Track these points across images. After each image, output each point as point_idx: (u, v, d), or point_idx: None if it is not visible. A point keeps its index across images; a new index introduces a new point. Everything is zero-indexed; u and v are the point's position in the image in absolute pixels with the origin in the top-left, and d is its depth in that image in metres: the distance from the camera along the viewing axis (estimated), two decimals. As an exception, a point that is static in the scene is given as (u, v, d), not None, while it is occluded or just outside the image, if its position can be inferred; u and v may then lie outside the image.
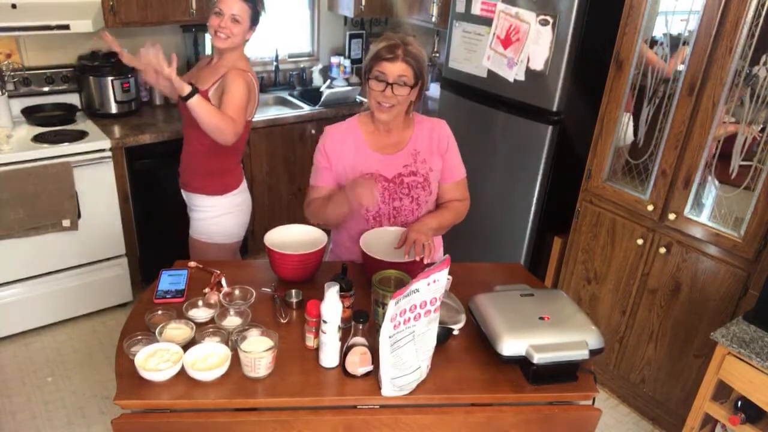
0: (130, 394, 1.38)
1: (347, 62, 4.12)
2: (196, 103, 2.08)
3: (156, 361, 1.41)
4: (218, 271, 1.82)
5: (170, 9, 3.13)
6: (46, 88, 3.17)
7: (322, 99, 3.66)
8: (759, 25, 2.03)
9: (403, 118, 1.88)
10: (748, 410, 1.89)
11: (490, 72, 2.92)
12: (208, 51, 3.47)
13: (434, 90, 3.77)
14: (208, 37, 3.42)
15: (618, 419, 2.72)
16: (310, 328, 1.52)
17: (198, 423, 1.39)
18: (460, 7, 3.00)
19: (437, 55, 3.97)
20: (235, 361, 1.44)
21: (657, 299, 2.52)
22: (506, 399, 1.48)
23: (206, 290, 1.74)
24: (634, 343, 2.66)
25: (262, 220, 3.57)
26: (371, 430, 1.44)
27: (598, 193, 2.65)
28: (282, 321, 1.65)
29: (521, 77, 2.78)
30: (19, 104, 3.09)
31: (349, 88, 3.86)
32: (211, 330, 1.55)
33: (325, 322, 1.43)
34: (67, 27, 2.80)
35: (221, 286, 1.76)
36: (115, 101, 3.19)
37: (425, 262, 1.72)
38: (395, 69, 1.73)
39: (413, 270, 1.63)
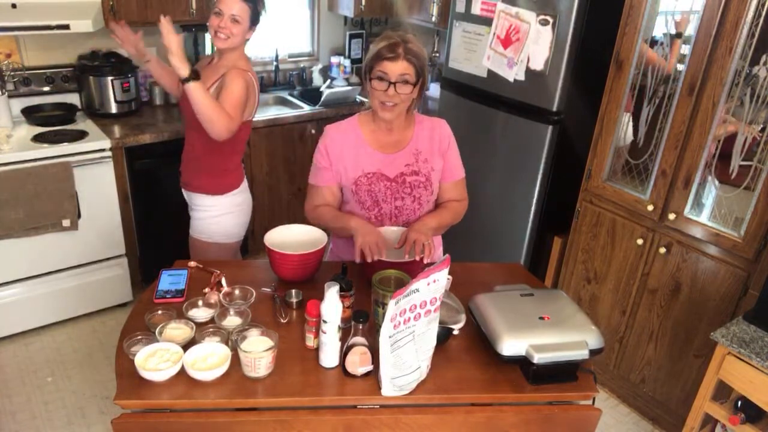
0: (130, 394, 1.38)
1: (347, 62, 4.12)
2: (194, 88, 2.07)
3: (156, 361, 1.41)
4: (218, 271, 1.82)
5: (170, 9, 3.13)
6: (46, 88, 3.17)
7: (322, 99, 3.66)
8: (759, 25, 2.03)
9: (405, 116, 1.88)
10: (748, 410, 1.89)
11: (490, 72, 2.92)
12: (208, 51, 3.47)
13: (434, 90, 3.77)
14: (208, 37, 3.42)
15: (618, 419, 2.72)
16: (310, 328, 1.52)
17: (198, 423, 1.39)
18: (460, 7, 3.00)
19: (437, 55, 3.97)
20: (235, 361, 1.44)
21: (657, 299, 2.52)
22: (506, 399, 1.48)
23: (206, 290, 1.74)
24: (634, 343, 2.66)
25: (262, 220, 3.57)
26: (371, 430, 1.44)
27: (598, 193, 2.65)
28: (282, 321, 1.65)
29: (521, 77, 2.78)
30: (19, 104, 3.09)
31: (349, 88, 3.86)
32: (211, 330, 1.55)
33: (325, 322, 1.43)
34: (67, 27, 2.80)
35: (221, 286, 1.76)
36: (115, 101, 3.19)
37: (425, 261, 1.72)
38: (397, 68, 1.73)
39: (413, 270, 1.63)
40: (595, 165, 2.63)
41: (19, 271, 2.86)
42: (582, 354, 1.47)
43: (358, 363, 1.43)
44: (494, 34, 2.84)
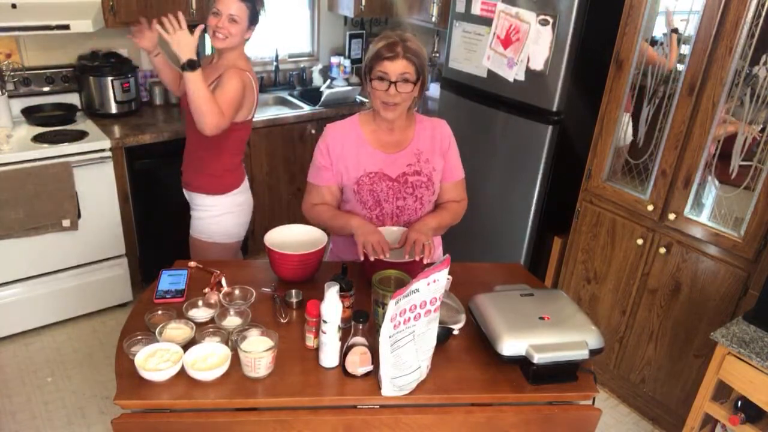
0: (130, 394, 1.38)
1: (347, 62, 4.12)
2: (193, 76, 2.05)
3: (156, 361, 1.41)
4: (218, 271, 1.82)
5: (170, 9, 3.09)
6: (46, 88, 3.17)
7: (322, 99, 3.66)
8: (759, 25, 2.03)
9: (406, 116, 1.88)
10: (748, 410, 1.89)
11: (490, 72, 2.92)
12: (208, 51, 3.47)
13: (434, 90, 3.77)
14: (208, 36, 3.42)
15: (618, 419, 2.72)
16: (310, 328, 1.52)
17: (198, 423, 1.39)
18: (460, 7, 3.00)
19: (437, 55, 3.97)
20: (235, 361, 1.44)
21: (657, 299, 2.52)
22: (506, 399, 1.48)
23: (206, 290, 1.74)
24: (634, 343, 2.66)
25: (262, 220, 3.57)
26: (371, 430, 1.44)
27: (598, 193, 2.65)
28: (282, 321, 1.65)
29: (521, 77, 2.78)
30: (19, 104, 3.09)
31: (349, 88, 3.86)
32: (211, 330, 1.55)
33: (325, 322, 1.43)
34: (67, 27, 2.80)
35: (221, 286, 1.76)
36: (115, 101, 3.19)
37: (425, 261, 1.72)
38: (397, 67, 1.73)
39: (413, 270, 1.63)
40: (595, 165, 2.63)
41: (19, 271, 2.86)
42: (582, 354, 1.47)
43: (358, 363, 1.43)
44: (494, 34, 2.84)
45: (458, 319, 1.61)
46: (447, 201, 2.00)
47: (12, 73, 3.07)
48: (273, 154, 3.52)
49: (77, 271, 3.02)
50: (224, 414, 1.40)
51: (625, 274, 2.63)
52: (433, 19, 3.52)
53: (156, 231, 3.19)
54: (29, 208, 2.72)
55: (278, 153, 3.54)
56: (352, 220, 1.82)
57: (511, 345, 1.46)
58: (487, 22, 2.87)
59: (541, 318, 1.53)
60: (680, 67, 2.28)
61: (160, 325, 1.53)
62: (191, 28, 2.11)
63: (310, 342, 1.54)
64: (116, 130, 3.05)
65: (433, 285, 1.33)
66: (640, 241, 2.52)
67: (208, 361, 1.43)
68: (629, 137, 2.55)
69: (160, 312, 1.62)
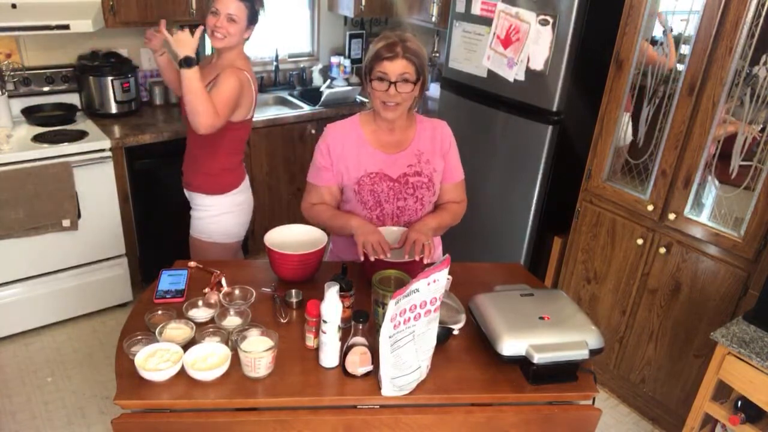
0: (130, 394, 1.38)
1: (347, 62, 4.12)
2: (189, 73, 2.06)
3: (156, 361, 1.41)
4: (218, 271, 1.82)
5: (170, 9, 3.14)
6: (46, 88, 3.17)
7: (322, 99, 3.66)
8: (759, 25, 2.03)
9: (406, 116, 1.88)
10: (748, 410, 1.89)
11: (490, 72, 2.92)
12: (208, 51, 3.47)
13: (434, 90, 3.77)
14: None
15: (618, 419, 2.72)
16: (310, 328, 1.52)
17: (198, 423, 1.39)
18: (460, 7, 3.00)
19: (437, 55, 3.97)
20: (235, 361, 1.44)
21: (657, 299, 2.52)
22: (506, 399, 1.48)
23: (206, 290, 1.74)
24: (634, 343, 2.66)
25: (262, 220, 3.57)
26: (371, 430, 1.44)
27: (598, 193, 2.65)
28: (282, 321, 1.65)
29: (521, 77, 2.78)
30: (19, 104, 3.09)
31: (349, 88, 3.86)
32: (211, 330, 1.55)
33: (325, 322, 1.43)
34: (67, 27, 2.80)
35: (221, 286, 1.76)
36: (115, 101, 3.19)
37: (425, 262, 1.72)
38: (396, 67, 1.73)
39: (413, 270, 1.63)
40: (595, 165, 2.63)
41: (19, 271, 2.86)
42: (582, 354, 1.47)
43: (358, 363, 1.43)
44: (494, 34, 2.84)
45: (458, 319, 1.61)
46: (447, 202, 2.00)
47: (12, 73, 3.07)
48: (273, 154, 3.52)
49: (77, 271, 3.02)
50: (224, 414, 1.40)
51: (625, 274, 2.63)
52: (433, 19, 3.52)
53: (156, 231, 3.19)
54: (29, 208, 2.72)
55: (278, 153, 3.54)
56: (352, 220, 1.82)
57: (511, 345, 1.46)
58: (487, 22, 2.87)
59: (541, 318, 1.53)
60: (680, 67, 2.28)
61: (160, 325, 1.53)
62: (192, 28, 2.11)
63: (310, 342, 1.54)
64: (116, 130, 3.05)
65: (433, 285, 1.33)
66: (640, 241, 2.52)
67: (208, 361, 1.43)
68: (629, 137, 2.55)
69: (160, 312, 1.62)
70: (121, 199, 3.02)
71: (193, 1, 3.17)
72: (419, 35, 3.91)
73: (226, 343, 1.49)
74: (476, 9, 2.92)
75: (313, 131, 3.59)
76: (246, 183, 2.53)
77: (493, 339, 1.49)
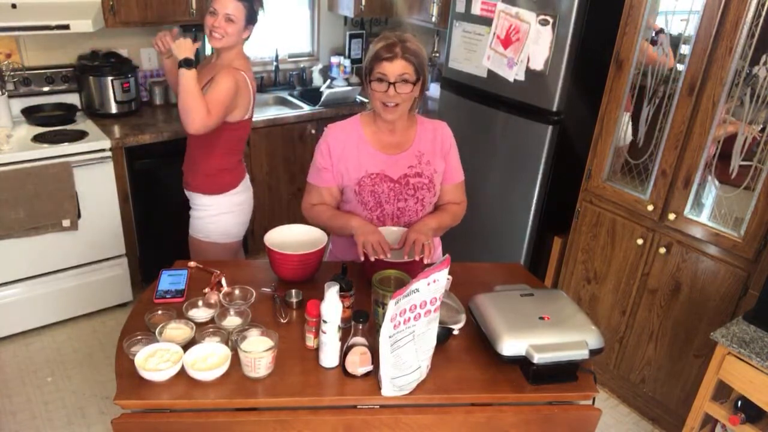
0: (130, 394, 1.38)
1: (347, 62, 4.12)
2: (186, 72, 2.10)
3: (156, 361, 1.41)
4: (218, 271, 1.82)
5: (170, 9, 3.14)
6: (46, 88, 3.17)
7: (322, 99, 3.66)
8: (759, 25, 2.03)
9: (407, 117, 1.88)
10: (748, 410, 1.89)
11: (490, 72, 2.92)
12: (208, 51, 3.47)
13: (434, 90, 3.77)
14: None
15: (618, 419, 2.72)
16: (310, 328, 1.52)
17: (198, 423, 1.39)
18: (460, 7, 3.00)
19: (437, 55, 3.97)
20: (235, 361, 1.44)
21: (657, 299, 2.52)
22: (506, 399, 1.48)
23: (206, 290, 1.74)
24: (634, 343, 2.66)
25: (262, 220, 3.57)
26: (371, 430, 1.44)
27: (598, 193, 2.65)
28: (282, 321, 1.65)
29: (521, 77, 2.78)
30: (19, 104, 3.09)
31: (349, 88, 3.86)
32: (211, 330, 1.55)
33: (325, 322, 1.43)
34: (67, 27, 2.80)
35: (221, 286, 1.76)
36: (115, 101, 3.19)
37: (425, 262, 1.72)
38: (395, 68, 1.73)
39: (413, 270, 1.63)
40: (595, 165, 2.63)
41: (19, 271, 2.86)
42: (582, 354, 1.47)
43: (358, 363, 1.43)
44: (494, 34, 2.84)
45: (458, 319, 1.61)
46: (447, 203, 2.00)
47: (12, 73, 3.07)
48: (273, 154, 3.52)
49: (77, 271, 3.02)
50: (224, 414, 1.40)
51: (625, 274, 2.63)
52: (433, 19, 3.52)
53: (156, 231, 3.19)
54: (29, 208, 2.72)
55: (278, 153, 3.54)
56: (352, 221, 1.82)
57: (511, 345, 1.46)
58: (487, 22, 2.87)
59: (541, 318, 1.53)
60: (680, 67, 2.28)
61: (160, 325, 1.53)
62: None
63: (310, 342, 1.54)
64: (116, 130, 3.05)
65: (433, 285, 1.33)
66: (640, 241, 2.52)
67: (208, 361, 1.43)
68: (629, 137, 2.55)
69: (160, 312, 1.62)
70: (121, 199, 3.02)
71: (193, 1, 3.17)
72: (419, 35, 3.91)
73: (226, 343, 1.49)
74: (476, 9, 2.92)
75: (313, 131, 3.60)
76: (245, 183, 2.53)
77: (493, 339, 1.49)
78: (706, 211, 2.33)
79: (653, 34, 2.35)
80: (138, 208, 3.12)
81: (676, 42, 2.30)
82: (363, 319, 1.42)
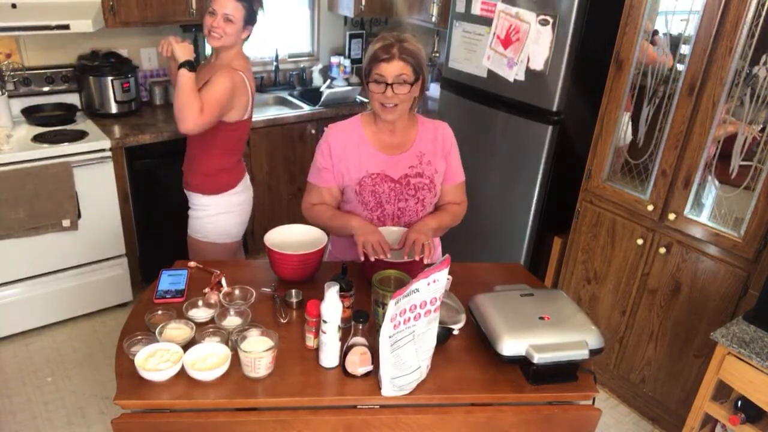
0: (130, 394, 1.38)
1: (347, 62, 4.12)
2: (185, 72, 2.11)
3: (156, 361, 1.41)
4: (218, 271, 1.82)
5: (170, 9, 3.13)
6: (46, 88, 3.17)
7: (322, 99, 3.66)
8: (759, 25, 2.03)
9: (407, 117, 1.88)
10: (748, 410, 1.89)
11: (490, 72, 2.92)
12: (208, 51, 3.47)
13: (434, 90, 3.77)
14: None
15: (618, 419, 2.72)
16: (310, 328, 1.52)
17: (198, 423, 1.39)
18: (460, 7, 3.00)
19: (437, 55, 3.97)
20: (235, 361, 1.44)
21: (657, 299, 2.52)
22: (506, 399, 1.48)
23: (206, 290, 1.74)
24: (634, 343, 2.66)
25: (262, 220, 3.57)
26: (371, 430, 1.44)
27: (598, 193, 2.65)
28: (282, 321, 1.65)
29: (521, 77, 2.78)
30: (19, 104, 3.09)
31: (349, 88, 3.86)
32: (211, 330, 1.55)
33: (325, 322, 1.43)
34: (67, 27, 2.80)
35: (221, 286, 1.76)
36: (115, 101, 3.19)
37: (425, 262, 1.72)
38: (393, 69, 1.73)
39: (413, 270, 1.63)
40: (595, 165, 2.63)
41: (19, 271, 2.86)
42: (582, 354, 1.47)
43: (358, 363, 1.43)
44: (494, 34, 2.84)
45: (458, 319, 1.61)
46: (447, 203, 2.00)
47: (12, 73, 3.07)
48: (273, 154, 3.52)
49: (77, 271, 3.02)
50: (224, 414, 1.40)
51: (625, 274, 2.63)
52: (433, 19, 3.52)
53: (156, 231, 3.19)
54: (29, 208, 2.72)
55: (278, 153, 3.54)
56: (352, 221, 1.82)
57: (511, 345, 1.46)
58: (487, 22, 2.87)
59: (541, 318, 1.53)
60: (680, 67, 2.28)
61: (160, 325, 1.53)
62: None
63: (310, 342, 1.54)
64: (116, 130, 3.05)
65: (433, 285, 1.33)
66: (640, 241, 2.52)
67: (208, 361, 1.43)
68: (629, 137, 2.55)
69: (160, 312, 1.62)
70: (121, 199, 3.02)
71: (193, 1, 3.17)
72: (419, 35, 3.91)
73: (226, 343, 1.49)
74: (476, 9, 2.92)
75: (313, 131, 3.60)
76: (245, 183, 2.53)
77: (493, 339, 1.49)
78: (706, 211, 2.33)
79: (651, 33, 2.34)
80: (138, 208, 3.12)
81: (676, 42, 2.30)
82: (363, 319, 1.42)
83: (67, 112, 3.14)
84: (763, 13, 2.02)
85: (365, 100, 1.86)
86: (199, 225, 2.46)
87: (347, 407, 1.44)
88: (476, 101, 3.03)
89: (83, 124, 3.09)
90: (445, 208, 1.99)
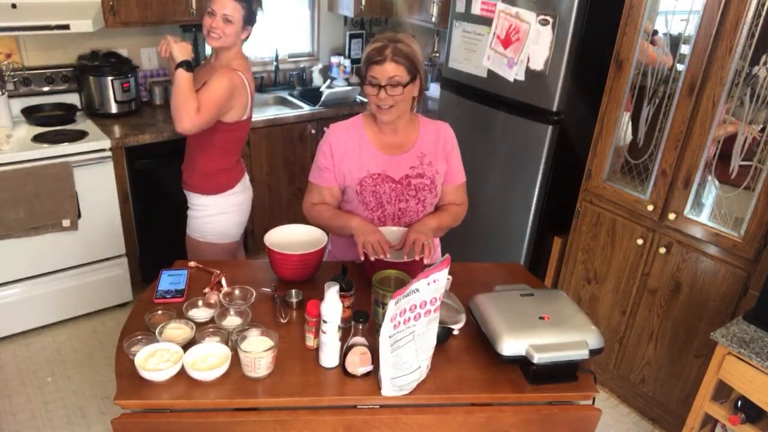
0: (130, 394, 1.38)
1: (347, 62, 4.12)
2: (183, 72, 2.12)
3: (156, 361, 1.41)
4: (218, 271, 1.82)
5: (170, 9, 3.14)
6: (46, 88, 3.17)
7: (322, 99, 3.66)
8: (759, 25, 2.03)
9: (407, 117, 1.88)
10: (748, 410, 1.89)
11: (490, 72, 2.92)
12: (208, 51, 3.47)
13: (434, 90, 3.77)
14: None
15: (618, 419, 2.72)
16: (310, 328, 1.52)
17: (198, 423, 1.39)
18: (460, 7, 3.00)
19: (437, 55, 3.97)
20: (235, 361, 1.44)
21: (657, 299, 2.52)
22: (506, 399, 1.48)
23: (206, 290, 1.74)
24: (634, 343, 2.66)
25: (262, 220, 3.57)
26: (371, 430, 1.44)
27: (598, 193, 2.65)
28: (282, 321, 1.65)
29: (521, 77, 2.78)
30: (19, 104, 3.09)
31: (349, 88, 3.86)
32: (211, 330, 1.55)
33: (325, 322, 1.43)
34: (67, 27, 2.80)
35: (221, 286, 1.76)
36: (115, 101, 3.19)
37: (425, 262, 1.72)
38: (385, 71, 1.73)
39: (413, 270, 1.63)
40: (595, 165, 2.63)
41: (19, 271, 2.86)
42: (582, 354, 1.47)
43: (358, 363, 1.43)
44: (494, 34, 2.84)
45: (458, 319, 1.61)
46: (448, 203, 2.00)
47: (12, 73, 3.07)
48: (273, 154, 3.52)
49: (77, 271, 3.02)
50: (224, 414, 1.40)
51: (625, 274, 2.63)
52: (433, 19, 3.52)
53: (156, 231, 3.19)
54: (29, 208, 2.72)
55: (278, 153, 3.54)
56: (352, 221, 1.82)
57: (511, 345, 1.46)
58: (487, 22, 2.87)
59: (541, 318, 1.53)
60: (680, 67, 2.28)
61: (160, 325, 1.53)
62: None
63: (310, 342, 1.54)
64: (116, 130, 3.05)
65: (433, 285, 1.33)
66: (640, 241, 2.52)
67: (208, 361, 1.43)
68: (629, 137, 2.55)
69: (160, 312, 1.62)
70: (121, 199, 3.02)
71: (193, 1, 3.17)
72: (419, 35, 3.91)
73: (226, 343, 1.49)
74: (476, 9, 2.92)
75: (313, 131, 3.60)
76: (244, 183, 2.52)
77: (493, 339, 1.49)
78: (706, 211, 2.33)
79: (649, 35, 2.34)
80: (138, 208, 3.12)
81: (676, 42, 2.30)
82: (363, 319, 1.42)
83: (67, 112, 3.14)
84: (763, 13, 2.02)
85: (365, 100, 1.86)
86: (198, 225, 2.46)
87: (347, 407, 1.44)
88: (476, 101, 3.03)
89: (83, 124, 3.09)
90: (445, 209, 1.99)
